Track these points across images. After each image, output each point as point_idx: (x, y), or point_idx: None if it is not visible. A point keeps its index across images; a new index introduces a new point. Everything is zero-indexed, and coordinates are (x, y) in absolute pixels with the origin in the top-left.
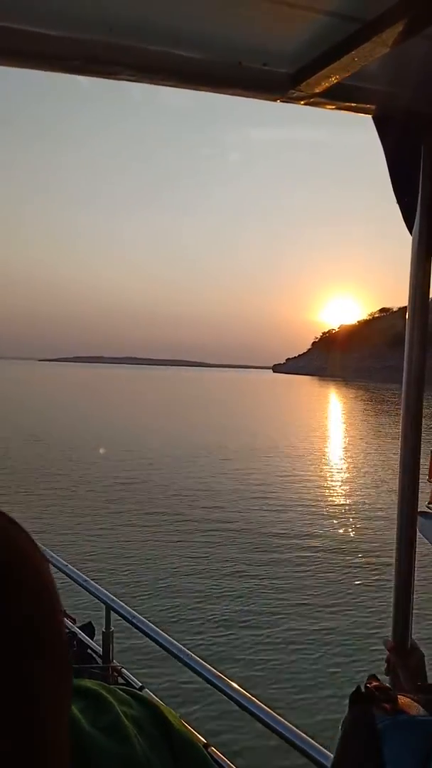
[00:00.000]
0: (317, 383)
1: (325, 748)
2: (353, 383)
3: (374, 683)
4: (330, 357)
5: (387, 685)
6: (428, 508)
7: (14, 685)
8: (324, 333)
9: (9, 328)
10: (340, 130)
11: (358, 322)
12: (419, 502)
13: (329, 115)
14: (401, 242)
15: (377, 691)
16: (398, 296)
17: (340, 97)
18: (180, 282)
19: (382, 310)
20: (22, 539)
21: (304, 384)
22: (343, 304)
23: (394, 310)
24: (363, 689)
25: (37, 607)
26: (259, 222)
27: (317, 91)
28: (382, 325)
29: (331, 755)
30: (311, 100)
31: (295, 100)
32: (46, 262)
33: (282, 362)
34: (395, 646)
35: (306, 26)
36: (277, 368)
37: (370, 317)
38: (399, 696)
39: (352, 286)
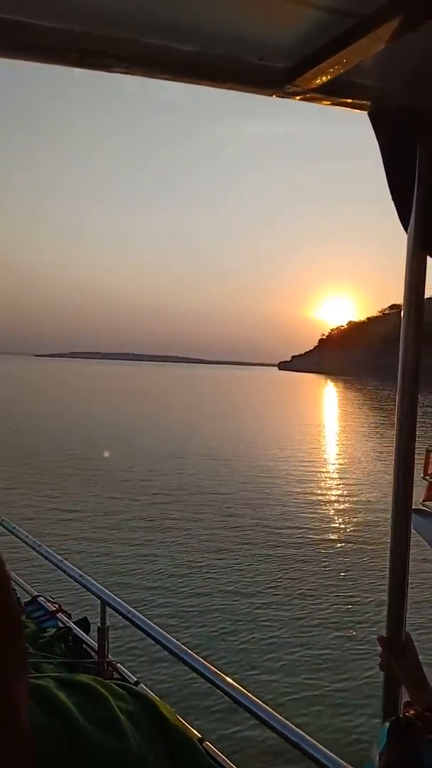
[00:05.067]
0: (327, 381)
1: (320, 744)
2: (366, 381)
3: (412, 711)
4: (339, 354)
5: (427, 714)
6: (422, 505)
7: None
8: (332, 330)
9: (5, 323)
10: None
11: (368, 318)
12: (413, 500)
13: (328, 111)
14: (399, 239)
15: (418, 719)
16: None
17: (336, 92)
18: (181, 278)
19: (392, 306)
20: None
21: (312, 382)
22: (346, 301)
23: None
24: (401, 717)
25: None
26: (261, 217)
27: (313, 86)
28: (395, 322)
29: (325, 750)
30: (307, 95)
31: (290, 95)
32: (44, 258)
33: (288, 360)
34: (389, 641)
35: (302, 21)
36: (282, 366)
37: (380, 314)
38: None
39: (355, 284)
